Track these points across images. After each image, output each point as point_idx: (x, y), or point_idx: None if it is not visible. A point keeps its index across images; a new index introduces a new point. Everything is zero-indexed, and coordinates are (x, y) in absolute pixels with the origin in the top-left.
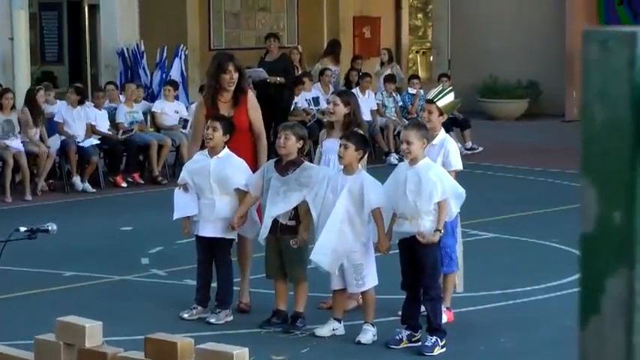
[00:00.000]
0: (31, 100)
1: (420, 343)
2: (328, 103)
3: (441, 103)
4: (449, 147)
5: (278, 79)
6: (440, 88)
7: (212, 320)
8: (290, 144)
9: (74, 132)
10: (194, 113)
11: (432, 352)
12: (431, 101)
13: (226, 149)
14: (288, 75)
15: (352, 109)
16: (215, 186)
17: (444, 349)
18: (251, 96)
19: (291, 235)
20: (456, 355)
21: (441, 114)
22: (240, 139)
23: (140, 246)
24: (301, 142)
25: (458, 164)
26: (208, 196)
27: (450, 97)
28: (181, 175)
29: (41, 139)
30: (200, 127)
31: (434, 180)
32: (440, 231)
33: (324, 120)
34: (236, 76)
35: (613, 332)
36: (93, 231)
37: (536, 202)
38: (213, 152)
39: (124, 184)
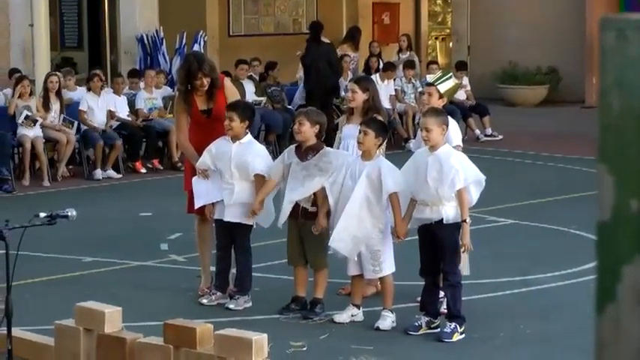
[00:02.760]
0: (44, 86)
1: (438, 330)
2: (347, 90)
3: (441, 88)
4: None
5: (299, 53)
6: (440, 72)
7: (231, 306)
8: (305, 129)
9: (98, 119)
10: (175, 106)
11: (451, 339)
12: (431, 84)
13: (249, 135)
14: (303, 56)
15: (371, 95)
16: (235, 171)
17: (463, 336)
18: (228, 83)
19: (314, 222)
20: (475, 342)
21: (440, 97)
22: (224, 127)
23: (159, 232)
24: (317, 127)
25: (457, 140)
26: (228, 181)
27: (450, 82)
28: (201, 159)
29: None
30: (182, 117)
31: (456, 167)
32: (465, 221)
33: (344, 106)
34: (207, 81)
35: (629, 320)
36: (112, 217)
37: (556, 188)
38: (235, 138)
39: (144, 170)
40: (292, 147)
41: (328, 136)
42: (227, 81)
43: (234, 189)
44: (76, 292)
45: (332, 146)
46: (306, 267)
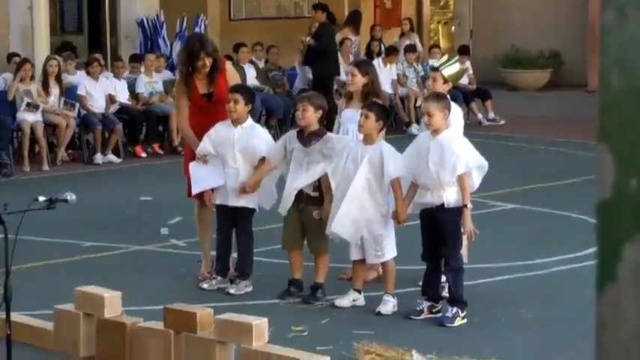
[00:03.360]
0: (43, 70)
1: (440, 314)
2: (347, 73)
3: (446, 72)
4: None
5: (307, 39)
6: (445, 57)
7: (231, 291)
8: (308, 115)
9: (97, 104)
10: (175, 89)
11: (453, 323)
12: (435, 69)
13: (250, 119)
14: (320, 39)
15: (371, 79)
16: (239, 156)
17: (465, 320)
18: (229, 67)
19: (314, 207)
20: (476, 327)
21: (445, 82)
22: (224, 111)
23: (159, 216)
24: (320, 111)
25: (457, 127)
26: (232, 165)
27: (455, 67)
28: (202, 145)
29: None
30: (182, 101)
31: (457, 152)
32: (467, 206)
33: (343, 90)
34: (209, 62)
35: (629, 299)
36: (112, 201)
37: (558, 173)
38: (237, 122)
39: (144, 155)
40: (293, 132)
41: (329, 121)
42: (228, 64)
43: (238, 173)
44: (76, 276)
45: (332, 130)
46: (301, 251)
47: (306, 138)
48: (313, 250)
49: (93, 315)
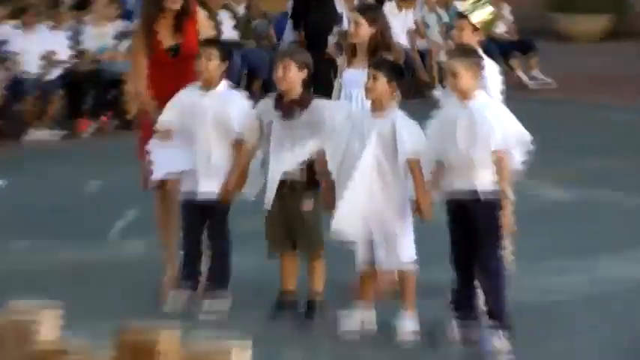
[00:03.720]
0: None
1: (477, 338)
2: (349, 22)
3: (475, 18)
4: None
5: None
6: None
7: (204, 306)
8: (291, 75)
9: (31, 63)
10: (132, 40)
11: (494, 349)
12: (463, 16)
13: (225, 83)
14: None
15: (379, 28)
16: (211, 130)
17: (509, 347)
18: (201, 16)
19: (302, 193)
20: (523, 356)
21: (475, 30)
22: (194, 70)
23: (110, 209)
24: (305, 71)
25: (495, 91)
26: (202, 143)
27: (487, 11)
28: (163, 117)
29: None
30: (140, 56)
31: (492, 122)
32: (505, 193)
33: (345, 43)
34: (179, 2)
35: None
36: (49, 189)
37: (625, 147)
38: (208, 85)
39: (90, 130)
40: (268, 100)
41: (327, 84)
42: (200, 11)
43: (210, 153)
44: (0, 288)
45: (331, 96)
46: (294, 253)
47: (287, 107)
48: (304, 252)
49: (22, 340)
